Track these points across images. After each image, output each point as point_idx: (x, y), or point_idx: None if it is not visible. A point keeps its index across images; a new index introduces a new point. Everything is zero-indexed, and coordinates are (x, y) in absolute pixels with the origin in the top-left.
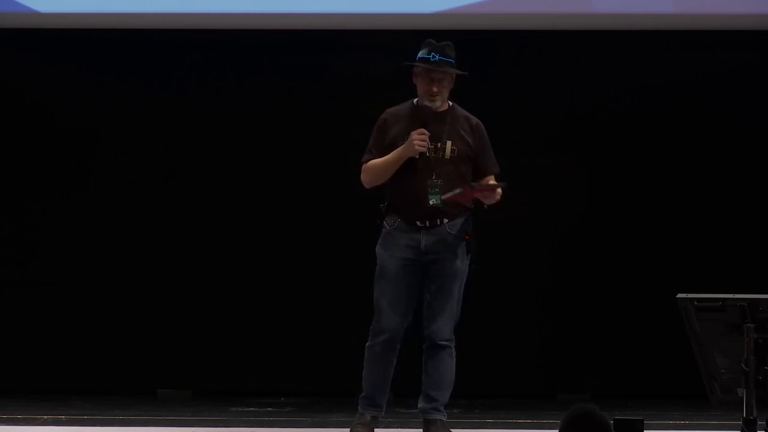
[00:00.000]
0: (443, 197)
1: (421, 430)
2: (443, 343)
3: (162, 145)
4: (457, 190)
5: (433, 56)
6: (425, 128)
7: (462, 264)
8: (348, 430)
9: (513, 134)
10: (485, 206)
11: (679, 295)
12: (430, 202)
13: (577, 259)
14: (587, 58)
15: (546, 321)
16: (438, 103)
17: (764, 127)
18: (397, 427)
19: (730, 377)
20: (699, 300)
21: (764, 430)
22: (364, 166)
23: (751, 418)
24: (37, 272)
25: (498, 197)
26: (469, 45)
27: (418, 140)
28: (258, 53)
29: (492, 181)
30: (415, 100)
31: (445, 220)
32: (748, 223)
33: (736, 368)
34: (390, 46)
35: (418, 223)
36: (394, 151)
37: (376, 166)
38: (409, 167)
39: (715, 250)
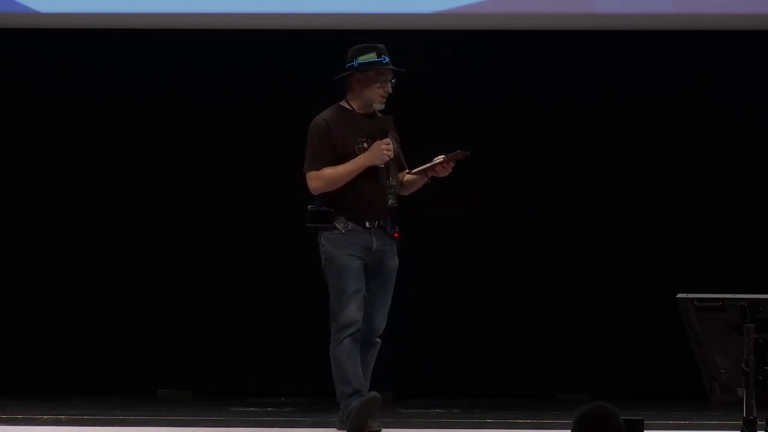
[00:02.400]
0: (414, 171)
1: (420, 429)
2: (379, 339)
3: (162, 145)
4: (437, 160)
5: (384, 58)
6: (385, 135)
7: (397, 261)
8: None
9: (513, 134)
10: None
11: (679, 295)
12: (389, 203)
13: (577, 259)
14: (587, 58)
15: (546, 321)
16: (383, 106)
17: (764, 127)
18: (397, 427)
19: (730, 377)
20: (699, 300)
21: (764, 430)
22: (316, 173)
23: (751, 418)
24: (37, 272)
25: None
26: (469, 45)
27: (387, 150)
28: (258, 53)
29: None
30: (345, 105)
31: (383, 221)
32: (748, 223)
33: (736, 368)
34: (390, 46)
35: (367, 224)
36: (358, 159)
37: (336, 174)
38: (364, 171)
39: (715, 250)
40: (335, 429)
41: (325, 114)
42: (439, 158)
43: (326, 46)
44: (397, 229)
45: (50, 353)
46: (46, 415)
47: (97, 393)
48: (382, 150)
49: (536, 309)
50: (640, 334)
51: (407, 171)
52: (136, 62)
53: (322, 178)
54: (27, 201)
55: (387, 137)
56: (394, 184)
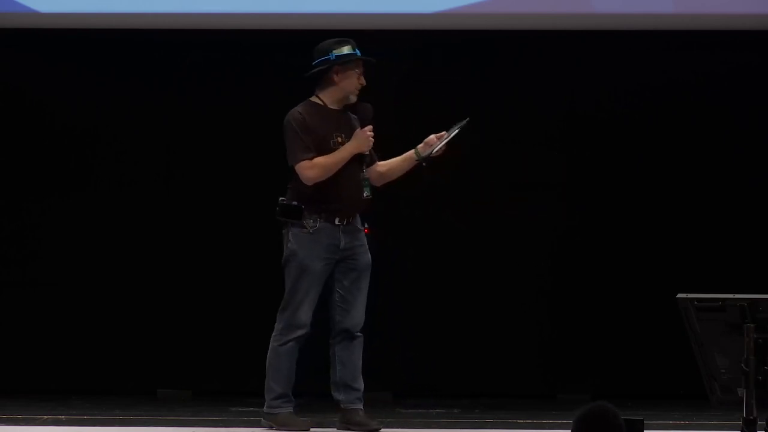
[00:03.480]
0: (431, 154)
1: (420, 429)
2: (359, 333)
3: (162, 145)
4: (443, 144)
5: (357, 51)
6: (366, 125)
7: (369, 256)
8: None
9: (513, 134)
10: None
11: (679, 295)
12: (364, 195)
13: (578, 258)
14: (587, 58)
15: (546, 321)
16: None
17: (764, 127)
18: (397, 427)
19: (730, 377)
20: (699, 300)
21: (764, 430)
22: (310, 163)
23: (751, 418)
24: (37, 272)
25: None
26: (469, 45)
27: (371, 136)
28: (258, 53)
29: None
30: (316, 100)
31: (354, 218)
32: (748, 223)
33: (736, 368)
34: (390, 46)
35: (337, 221)
36: (344, 148)
37: (330, 163)
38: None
39: (715, 250)
40: (335, 429)
41: (299, 108)
42: (443, 134)
43: None
44: (366, 226)
45: (50, 353)
46: (46, 415)
47: (97, 393)
48: (368, 137)
49: (536, 309)
50: (640, 334)
51: (416, 164)
52: (136, 62)
53: (317, 166)
54: (27, 201)
55: (368, 125)
56: (367, 177)
